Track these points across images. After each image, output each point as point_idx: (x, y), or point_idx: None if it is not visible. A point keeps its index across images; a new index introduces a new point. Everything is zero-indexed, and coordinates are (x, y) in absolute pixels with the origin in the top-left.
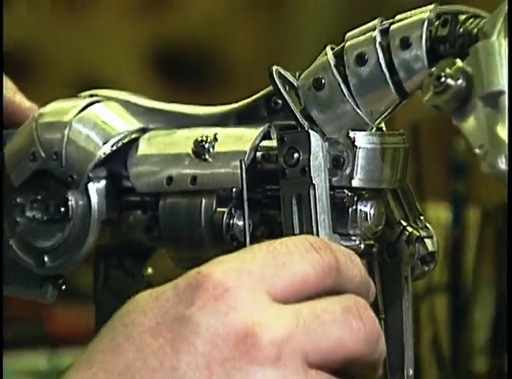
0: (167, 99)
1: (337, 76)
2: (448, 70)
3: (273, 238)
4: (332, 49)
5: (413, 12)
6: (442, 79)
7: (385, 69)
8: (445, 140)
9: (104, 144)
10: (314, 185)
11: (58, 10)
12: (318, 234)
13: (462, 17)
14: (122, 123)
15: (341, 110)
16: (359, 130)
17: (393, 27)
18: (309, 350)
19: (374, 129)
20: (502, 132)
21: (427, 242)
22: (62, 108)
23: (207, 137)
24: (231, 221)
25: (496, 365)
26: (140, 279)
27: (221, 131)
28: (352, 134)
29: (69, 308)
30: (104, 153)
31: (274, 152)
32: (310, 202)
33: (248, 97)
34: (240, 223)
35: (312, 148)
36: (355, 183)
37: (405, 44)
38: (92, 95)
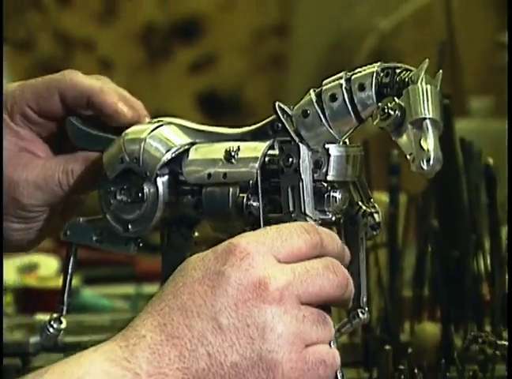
0: (209, 125)
1: (317, 108)
2: (389, 104)
3: (276, 213)
4: (314, 90)
5: (366, 67)
6: (386, 110)
7: (348, 104)
8: (385, 149)
9: (167, 152)
10: (302, 179)
11: (139, 72)
12: (305, 210)
13: (398, 70)
14: (178, 139)
15: (320, 131)
16: (332, 143)
17: (353, 76)
18: (301, 294)
19: (342, 142)
20: (424, 144)
21: (375, 215)
22: (140, 129)
23: (233, 148)
24: (249, 202)
25: (418, 293)
26: (190, 240)
27: (242, 144)
28: (327, 146)
29: (147, 257)
30: (167, 158)
31: (277, 158)
32: (300, 190)
33: (259, 122)
34: (255, 203)
35: (301, 155)
36: (329, 178)
37: (361, 88)
38: (159, 121)
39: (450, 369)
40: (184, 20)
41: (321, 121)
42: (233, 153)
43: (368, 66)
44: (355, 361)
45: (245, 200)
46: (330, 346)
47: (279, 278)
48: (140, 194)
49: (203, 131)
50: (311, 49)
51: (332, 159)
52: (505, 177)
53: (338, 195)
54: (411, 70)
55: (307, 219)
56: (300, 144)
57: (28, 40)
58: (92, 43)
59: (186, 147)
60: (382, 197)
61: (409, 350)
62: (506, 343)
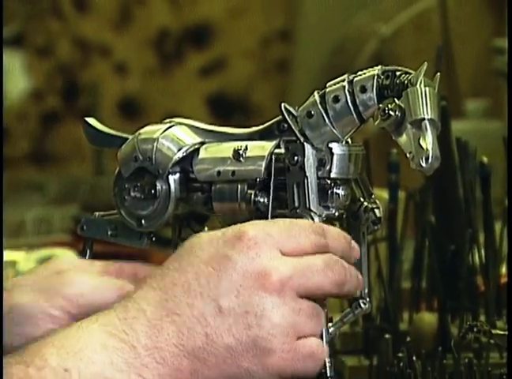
0: (219, 126)
1: (321, 109)
2: (390, 106)
3: (281, 209)
4: (318, 92)
5: (368, 70)
6: (386, 111)
7: (351, 105)
8: (385, 148)
9: (178, 151)
10: (307, 176)
11: (153, 75)
12: (310, 206)
13: (398, 73)
14: (189, 139)
15: (324, 130)
16: (335, 142)
17: (355, 79)
18: (300, 287)
19: (344, 142)
20: (423, 143)
21: (376, 211)
22: (153, 130)
23: (241, 147)
24: (256, 198)
25: (416, 285)
26: None
27: (250, 143)
28: (330, 145)
29: (160, 251)
30: (178, 157)
31: (283, 156)
32: (305, 187)
33: (266, 123)
34: (262, 199)
35: (306, 154)
36: (333, 175)
37: (363, 90)
38: (170, 122)
39: (447, 356)
40: (195, 26)
41: (325, 121)
42: (241, 152)
43: (369, 69)
44: (356, 349)
45: (253, 196)
46: (321, 338)
47: (281, 270)
48: (153, 191)
49: (212, 131)
50: (315, 53)
51: (335, 157)
52: (498, 174)
53: (341, 191)
54: (410, 73)
55: (312, 214)
56: (305, 143)
57: (47, 46)
58: (108, 48)
59: (197, 146)
60: (382, 194)
61: (408, 338)
62: (501, 332)
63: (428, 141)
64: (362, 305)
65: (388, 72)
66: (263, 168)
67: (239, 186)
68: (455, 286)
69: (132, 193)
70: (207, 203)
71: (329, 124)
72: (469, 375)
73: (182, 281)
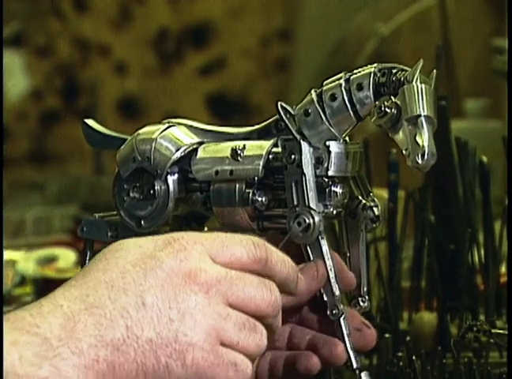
0: (217, 125)
1: (318, 107)
2: (386, 103)
3: (280, 208)
4: (315, 91)
5: (364, 67)
6: (383, 108)
7: (347, 103)
8: (385, 148)
9: (176, 151)
10: (305, 174)
11: (153, 75)
12: (309, 203)
13: (394, 71)
14: (187, 138)
15: (321, 129)
16: (332, 140)
17: (352, 77)
18: (229, 295)
19: (342, 140)
20: (419, 140)
21: (375, 209)
22: (151, 130)
23: (239, 146)
24: (254, 197)
25: (415, 284)
26: None
27: (248, 142)
28: (327, 143)
29: None
30: (177, 157)
31: (280, 155)
32: (303, 185)
33: (264, 122)
34: (260, 198)
35: (303, 152)
36: (330, 173)
37: (360, 87)
38: (169, 122)
39: (446, 356)
40: (195, 26)
41: (322, 119)
42: (239, 151)
43: (366, 67)
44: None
45: (250, 195)
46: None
47: (209, 272)
48: (151, 191)
49: (210, 131)
50: (314, 53)
51: (332, 155)
52: (498, 174)
53: (339, 189)
54: (406, 70)
55: (312, 212)
56: (302, 142)
57: (47, 46)
58: (107, 48)
59: (195, 146)
60: (381, 193)
61: (407, 338)
62: (501, 331)
63: (424, 138)
64: (361, 303)
65: (384, 69)
66: (261, 167)
67: (237, 185)
68: (455, 285)
69: (131, 194)
70: (206, 203)
71: (326, 122)
72: (469, 374)
73: (106, 279)
